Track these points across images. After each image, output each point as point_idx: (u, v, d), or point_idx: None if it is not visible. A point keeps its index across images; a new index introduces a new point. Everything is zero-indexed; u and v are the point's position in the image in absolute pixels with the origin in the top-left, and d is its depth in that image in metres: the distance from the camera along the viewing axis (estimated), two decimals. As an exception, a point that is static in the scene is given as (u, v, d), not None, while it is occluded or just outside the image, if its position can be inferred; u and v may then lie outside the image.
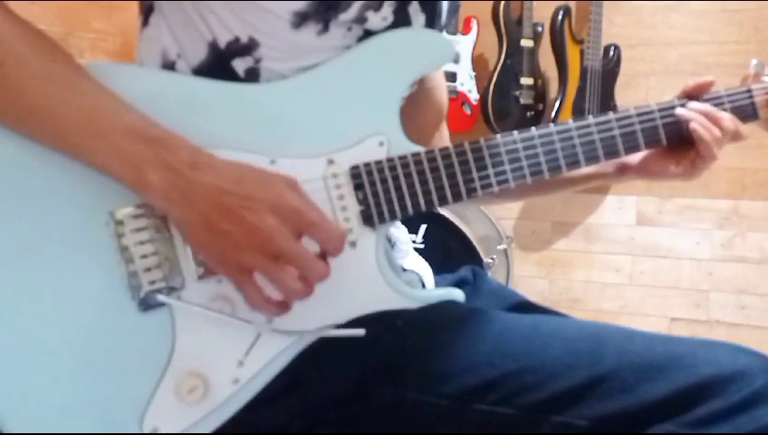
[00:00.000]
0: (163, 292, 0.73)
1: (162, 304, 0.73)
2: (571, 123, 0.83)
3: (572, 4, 2.60)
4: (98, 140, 0.68)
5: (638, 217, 2.69)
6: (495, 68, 2.56)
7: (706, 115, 0.87)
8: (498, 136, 0.81)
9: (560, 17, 2.54)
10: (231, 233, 0.67)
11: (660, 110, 0.87)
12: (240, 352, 0.74)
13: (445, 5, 0.89)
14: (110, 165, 0.69)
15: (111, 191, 0.71)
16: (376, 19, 0.80)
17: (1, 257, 0.70)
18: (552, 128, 0.83)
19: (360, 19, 0.79)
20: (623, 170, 0.97)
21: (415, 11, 0.84)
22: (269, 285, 0.70)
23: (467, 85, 2.62)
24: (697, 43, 2.57)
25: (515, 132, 0.82)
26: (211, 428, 0.74)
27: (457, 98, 2.60)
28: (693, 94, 0.89)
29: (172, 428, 0.72)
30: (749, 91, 0.88)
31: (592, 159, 0.84)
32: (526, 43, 2.60)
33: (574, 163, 0.83)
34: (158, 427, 0.72)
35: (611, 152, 0.85)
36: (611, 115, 0.85)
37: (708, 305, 2.60)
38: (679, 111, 0.87)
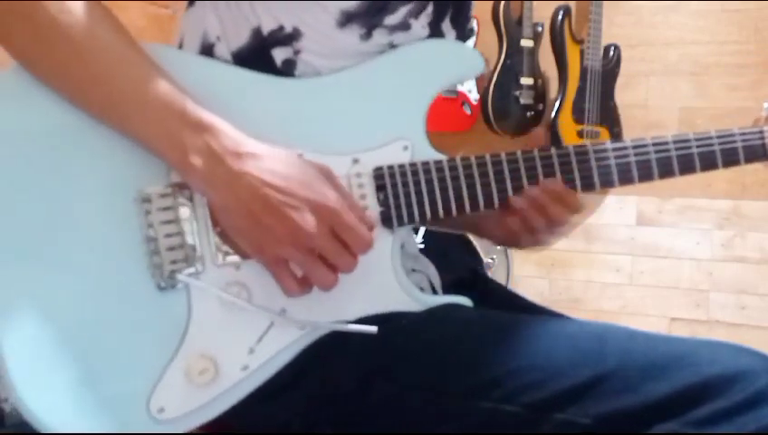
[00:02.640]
0: (183, 272, 0.73)
1: (180, 286, 0.73)
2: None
3: (572, 4, 2.60)
4: (148, 115, 0.70)
5: (638, 217, 2.69)
6: (495, 68, 2.56)
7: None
8: (518, 151, 0.82)
9: (560, 17, 2.54)
10: (272, 227, 0.69)
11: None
12: (252, 340, 0.75)
13: (474, 21, 0.93)
14: (156, 143, 0.70)
15: (143, 169, 0.73)
16: (417, 27, 0.83)
17: (28, 226, 0.70)
18: (569, 148, 0.83)
19: (404, 25, 0.81)
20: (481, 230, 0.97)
21: (447, 28, 0.87)
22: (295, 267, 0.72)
23: (467, 85, 2.62)
24: (697, 43, 2.57)
25: (535, 150, 0.83)
26: (215, 413, 0.74)
27: (457, 98, 2.60)
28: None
29: (178, 409, 0.72)
30: (761, 132, 0.90)
31: (607, 183, 0.84)
32: (526, 43, 2.60)
33: (589, 184, 0.83)
34: (163, 408, 0.72)
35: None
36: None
37: (708, 305, 2.60)
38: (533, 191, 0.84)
